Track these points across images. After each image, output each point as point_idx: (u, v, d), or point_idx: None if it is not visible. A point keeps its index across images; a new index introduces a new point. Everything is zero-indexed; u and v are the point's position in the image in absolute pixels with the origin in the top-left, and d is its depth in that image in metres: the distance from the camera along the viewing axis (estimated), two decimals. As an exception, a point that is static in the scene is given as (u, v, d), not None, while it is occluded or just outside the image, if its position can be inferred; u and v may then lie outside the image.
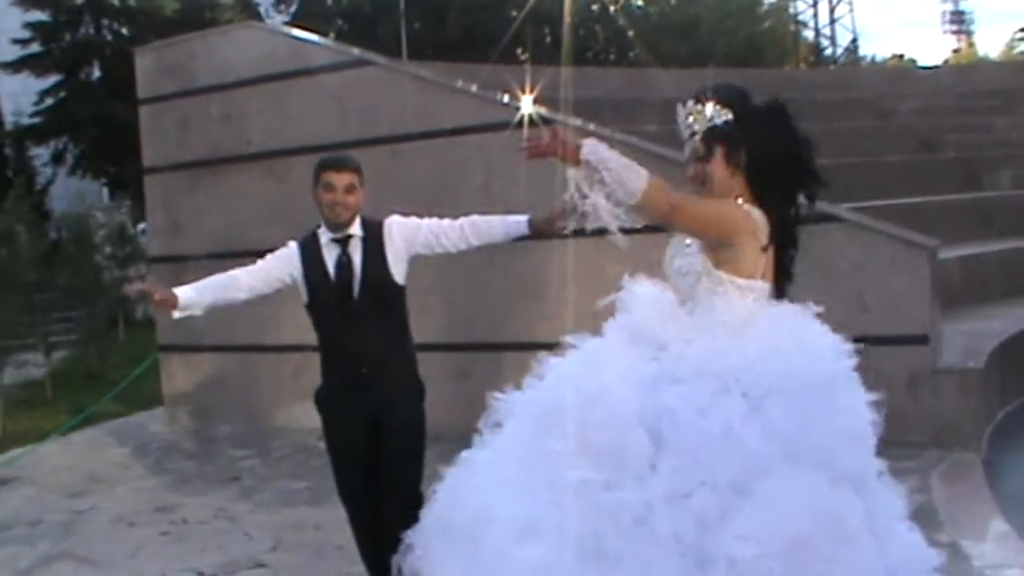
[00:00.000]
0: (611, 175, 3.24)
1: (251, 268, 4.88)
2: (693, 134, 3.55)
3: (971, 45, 62.97)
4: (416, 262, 4.93)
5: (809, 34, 48.47)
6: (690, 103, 3.56)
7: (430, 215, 4.96)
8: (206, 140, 10.15)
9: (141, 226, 25.50)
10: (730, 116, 3.49)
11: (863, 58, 48.17)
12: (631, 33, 38.58)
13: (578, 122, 8.81)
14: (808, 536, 3.01)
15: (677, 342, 3.39)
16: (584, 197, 3.30)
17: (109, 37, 35.04)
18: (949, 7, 65.22)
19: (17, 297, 12.38)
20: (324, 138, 9.34)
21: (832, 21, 48.45)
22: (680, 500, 3.10)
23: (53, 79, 34.68)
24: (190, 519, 7.36)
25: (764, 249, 3.47)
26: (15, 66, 33.86)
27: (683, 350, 3.36)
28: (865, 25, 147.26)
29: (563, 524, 3.17)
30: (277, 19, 33.81)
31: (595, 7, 38.37)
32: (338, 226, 4.76)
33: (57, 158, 34.76)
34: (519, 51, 32.37)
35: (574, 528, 3.15)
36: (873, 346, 7.46)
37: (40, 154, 35.14)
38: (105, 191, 35.74)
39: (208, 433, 10.09)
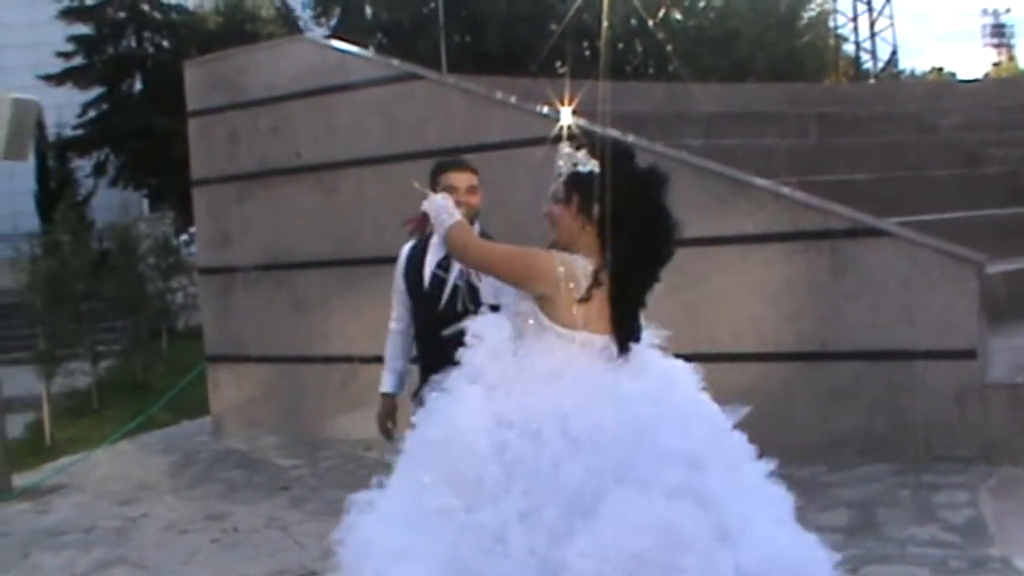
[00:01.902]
0: (435, 219, 3.69)
1: (393, 314, 5.16)
2: (559, 175, 3.58)
3: (1011, 59, 62.40)
4: None
5: (849, 48, 48.32)
6: (566, 145, 3.58)
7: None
8: (255, 152, 10.25)
9: (184, 237, 25.81)
10: (596, 169, 3.49)
11: (902, 72, 47.90)
12: (670, 47, 38.60)
13: (619, 135, 8.87)
14: (646, 551, 3.12)
15: (500, 387, 3.48)
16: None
17: (151, 50, 35.41)
18: (990, 20, 64.76)
19: (65, 307, 12.51)
20: (372, 151, 9.46)
21: (872, 35, 48.19)
22: (533, 515, 3.24)
23: (95, 92, 35.05)
24: (240, 527, 7.45)
25: (584, 300, 3.44)
26: (58, 79, 34.24)
27: (507, 394, 3.47)
28: (904, 39, 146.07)
29: (431, 547, 3.35)
30: (317, 32, 34.04)
31: (634, 21, 38.36)
32: None
33: (99, 170, 35.14)
34: (558, 65, 32.38)
35: (441, 550, 3.33)
36: (921, 360, 7.56)
37: (82, 166, 35.52)
38: (146, 202, 36.03)
39: (256, 443, 10.18)
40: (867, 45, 48.19)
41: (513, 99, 9.24)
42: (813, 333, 8.04)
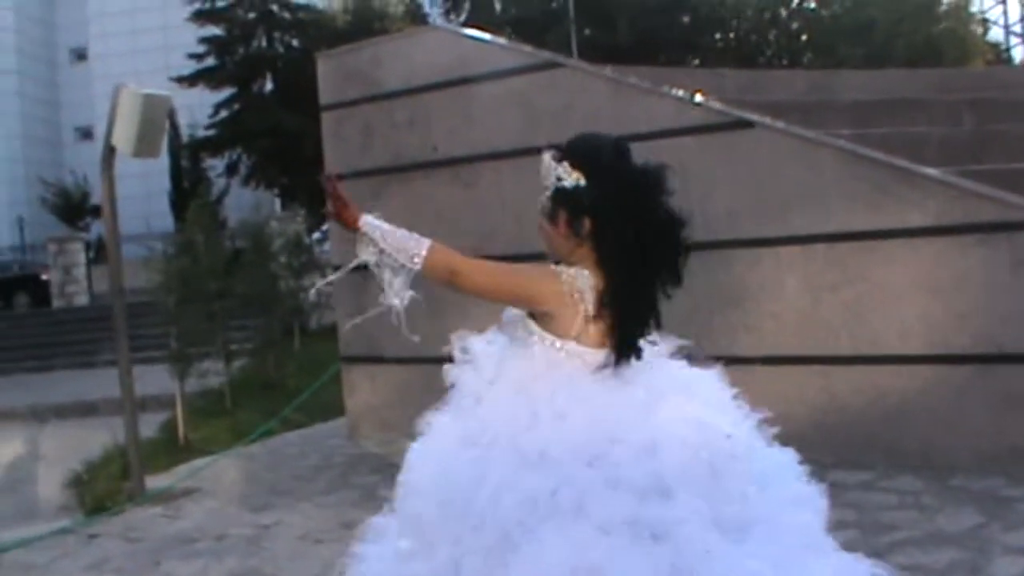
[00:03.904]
0: (390, 245, 3.17)
1: None
2: (545, 189, 3.25)
3: None
4: None
5: (998, 32, 46.74)
6: (548, 156, 3.23)
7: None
8: (390, 146, 9.91)
9: (316, 235, 25.85)
10: (581, 181, 3.16)
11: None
12: (804, 37, 37.71)
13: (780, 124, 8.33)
14: None
15: (470, 397, 3.33)
16: (377, 266, 3.22)
17: (281, 50, 35.76)
18: None
19: (198, 305, 12.38)
20: (512, 143, 9.02)
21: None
22: (459, 564, 3.06)
23: (227, 92, 35.56)
24: (379, 538, 7.09)
25: (591, 318, 3.18)
26: (191, 80, 34.85)
27: (475, 404, 3.30)
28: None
29: None
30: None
31: (767, 14, 37.57)
32: None
33: (231, 169, 35.63)
34: (689, 56, 31.77)
35: None
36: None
37: (214, 165, 36.07)
38: (278, 201, 36.42)
39: (392, 447, 9.81)
40: (1017, 29, 46.40)
41: (667, 89, 8.75)
42: (989, 334, 7.41)
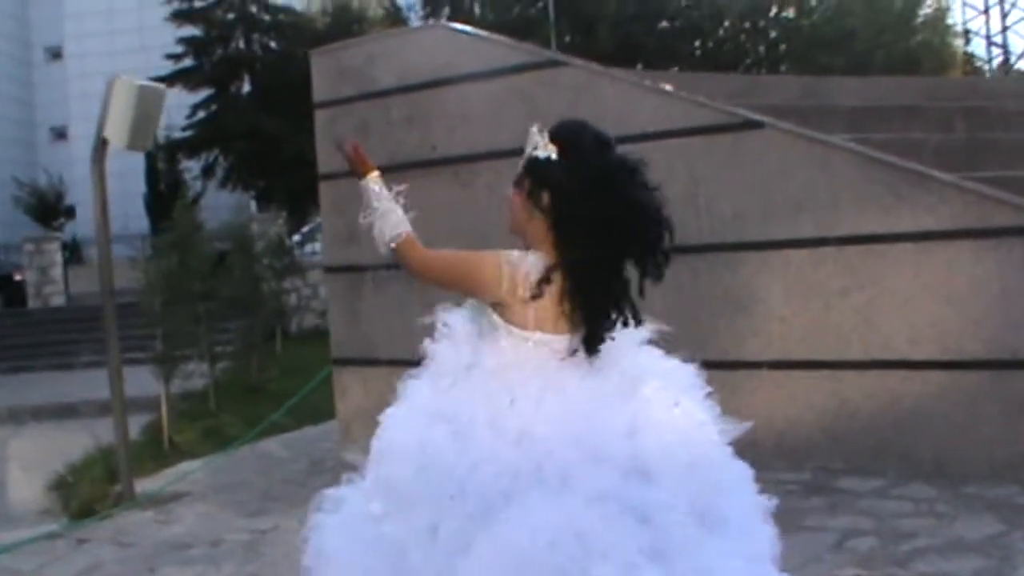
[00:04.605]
0: (377, 215, 3.43)
1: None
2: (523, 158, 3.33)
3: None
4: None
5: (980, 42, 47.33)
6: (534, 128, 3.33)
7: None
8: (386, 145, 9.69)
9: (296, 237, 25.63)
10: (554, 155, 3.22)
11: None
12: (783, 47, 37.73)
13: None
14: (545, 552, 2.90)
15: (447, 377, 3.34)
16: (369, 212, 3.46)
17: (259, 51, 35.50)
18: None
19: (183, 307, 12.16)
20: (513, 142, 8.81)
21: (1004, 28, 46.93)
22: (437, 528, 3.08)
23: (204, 93, 35.22)
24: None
25: (533, 298, 3.17)
26: (168, 81, 34.29)
27: (451, 386, 3.31)
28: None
29: (357, 560, 3.26)
30: (425, 32, 33.76)
31: (746, 23, 37.59)
32: None
33: (207, 171, 35.31)
34: (669, 64, 31.69)
35: (362, 563, 3.24)
36: None
37: (191, 167, 35.76)
38: (253, 204, 36.15)
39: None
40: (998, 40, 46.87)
41: (667, 88, 8.62)
42: (1003, 339, 7.30)
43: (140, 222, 34.89)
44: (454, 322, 3.41)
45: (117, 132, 8.15)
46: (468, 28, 10.48)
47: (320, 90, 10.26)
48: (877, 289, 7.63)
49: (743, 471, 3.33)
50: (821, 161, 7.86)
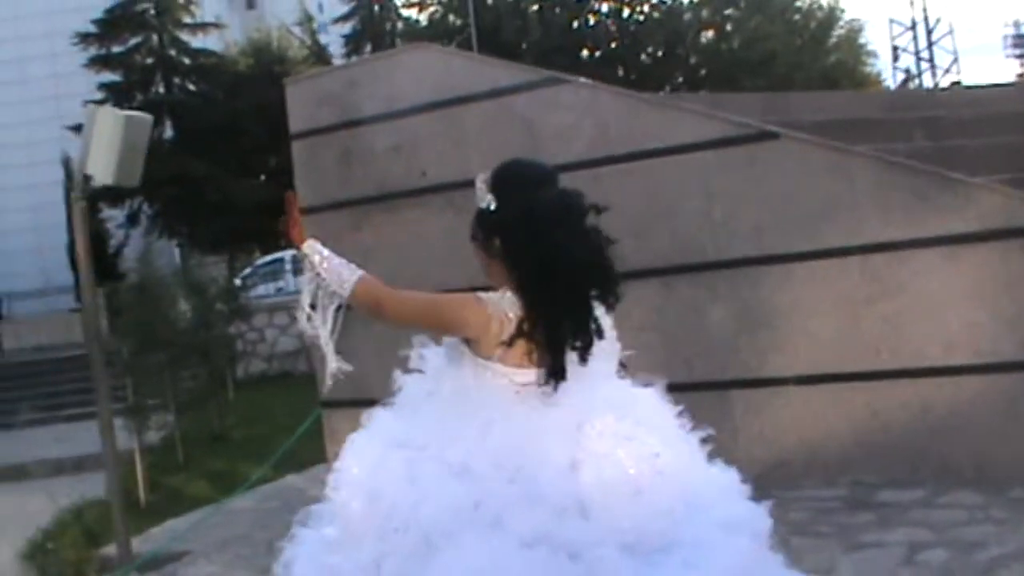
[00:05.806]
0: (326, 270, 3.36)
1: None
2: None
3: (1037, 69, 61.61)
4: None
5: (909, 58, 48.55)
6: (480, 178, 3.39)
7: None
8: (372, 174, 9.34)
9: (237, 281, 25.00)
10: (492, 204, 3.32)
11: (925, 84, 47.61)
12: (703, 72, 38.06)
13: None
14: None
15: (408, 407, 3.44)
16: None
17: (181, 95, 34.83)
18: (1011, 31, 64.03)
19: (156, 355, 11.63)
20: (511, 165, 8.58)
21: (930, 44, 48.15)
22: (376, 568, 3.14)
23: (125, 140, 34.44)
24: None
25: (508, 344, 3.22)
26: (87, 129, 33.66)
27: (412, 414, 3.40)
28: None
29: None
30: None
31: (660, 51, 37.88)
32: None
33: (132, 219, 34.46)
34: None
35: None
36: None
37: (114, 216, 34.86)
38: (177, 251, 35.37)
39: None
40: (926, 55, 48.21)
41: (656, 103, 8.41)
42: (1039, 339, 7.16)
43: (64, 275, 33.89)
44: (428, 354, 3.47)
45: (102, 167, 7.71)
46: (457, 49, 10.19)
47: (297, 120, 9.87)
48: (905, 296, 7.47)
49: (723, 480, 3.38)
50: (841, 169, 7.70)
